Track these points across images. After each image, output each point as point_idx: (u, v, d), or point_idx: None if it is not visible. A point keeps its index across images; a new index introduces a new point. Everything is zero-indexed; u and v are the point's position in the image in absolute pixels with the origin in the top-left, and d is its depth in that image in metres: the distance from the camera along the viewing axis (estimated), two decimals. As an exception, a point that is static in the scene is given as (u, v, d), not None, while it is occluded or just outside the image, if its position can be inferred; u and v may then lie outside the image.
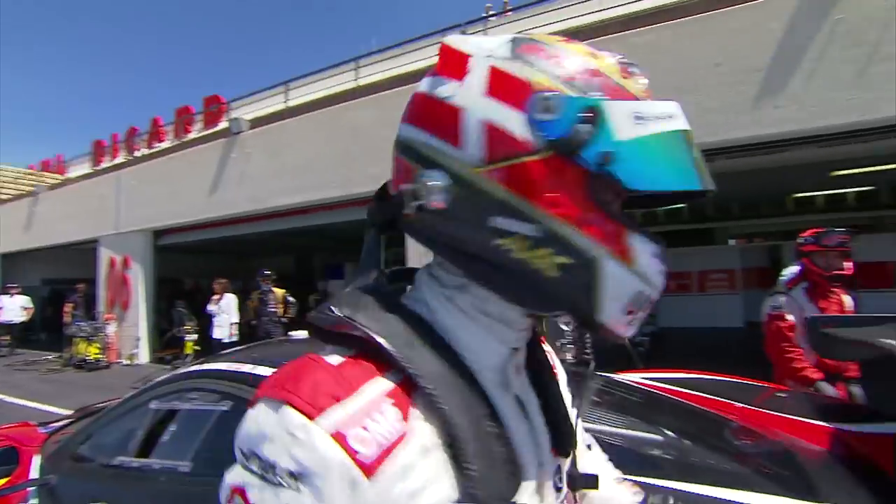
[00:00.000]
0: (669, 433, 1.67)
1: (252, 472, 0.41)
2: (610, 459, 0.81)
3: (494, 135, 0.45)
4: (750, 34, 5.12)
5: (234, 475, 0.43)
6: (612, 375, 2.49)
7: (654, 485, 1.20)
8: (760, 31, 5.07)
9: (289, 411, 0.40)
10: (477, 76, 0.47)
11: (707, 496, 1.18)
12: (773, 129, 4.97)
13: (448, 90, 0.48)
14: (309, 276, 17.56)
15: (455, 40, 0.51)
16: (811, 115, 4.80)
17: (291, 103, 9.41)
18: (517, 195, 0.45)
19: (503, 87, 0.46)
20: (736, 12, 5.28)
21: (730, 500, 1.15)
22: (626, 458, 1.28)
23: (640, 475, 1.16)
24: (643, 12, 6.14)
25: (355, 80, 8.83)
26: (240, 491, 0.41)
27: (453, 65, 0.49)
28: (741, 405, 1.98)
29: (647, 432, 1.67)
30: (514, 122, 0.45)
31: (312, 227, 9.55)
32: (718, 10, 5.38)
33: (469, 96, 0.47)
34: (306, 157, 8.21)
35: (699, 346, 9.24)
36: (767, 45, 5.04)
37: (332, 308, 0.47)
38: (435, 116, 0.49)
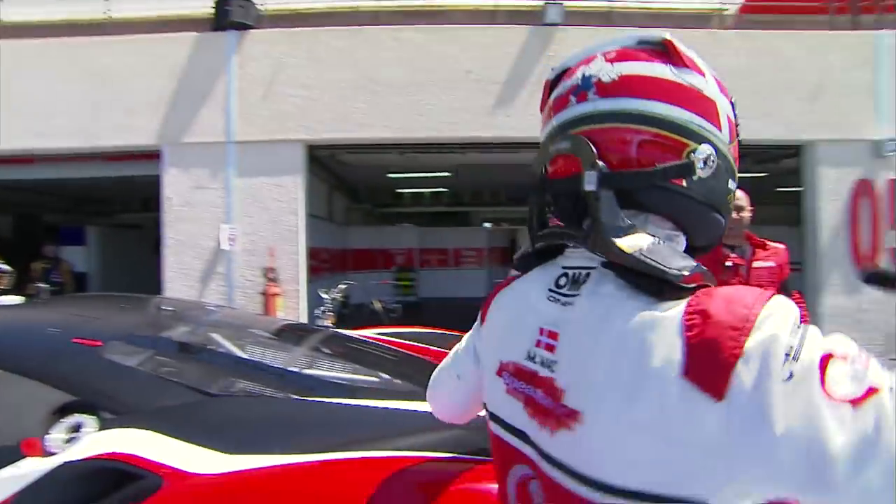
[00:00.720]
0: (382, 373, 2.13)
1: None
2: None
3: (730, 123, 0.64)
4: (494, 51, 6.16)
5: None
6: (348, 332, 2.87)
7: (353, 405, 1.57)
8: (502, 51, 6.16)
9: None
10: (710, 78, 0.64)
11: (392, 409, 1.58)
12: (504, 132, 6.12)
13: (699, 83, 0.62)
14: (34, 240, 13.98)
15: (678, 42, 0.63)
16: (530, 125, 6.07)
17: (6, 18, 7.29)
18: (735, 165, 0.66)
19: (723, 90, 0.65)
20: (487, 30, 6.27)
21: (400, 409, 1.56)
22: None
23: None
24: (418, 8, 6.76)
25: (106, 12, 7.24)
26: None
27: (689, 62, 0.62)
28: (438, 349, 2.49)
29: (365, 374, 2.09)
30: (732, 115, 0.66)
31: (41, 182, 7.78)
32: (476, 24, 6.33)
33: (714, 92, 0.63)
34: (33, 94, 6.55)
35: (448, 312, 10.70)
36: (506, 63, 6.15)
37: (667, 266, 0.54)
38: (699, 103, 0.61)
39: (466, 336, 0.88)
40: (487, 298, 0.81)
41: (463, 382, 0.86)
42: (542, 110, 0.78)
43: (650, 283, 0.54)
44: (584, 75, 0.65)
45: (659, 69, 0.61)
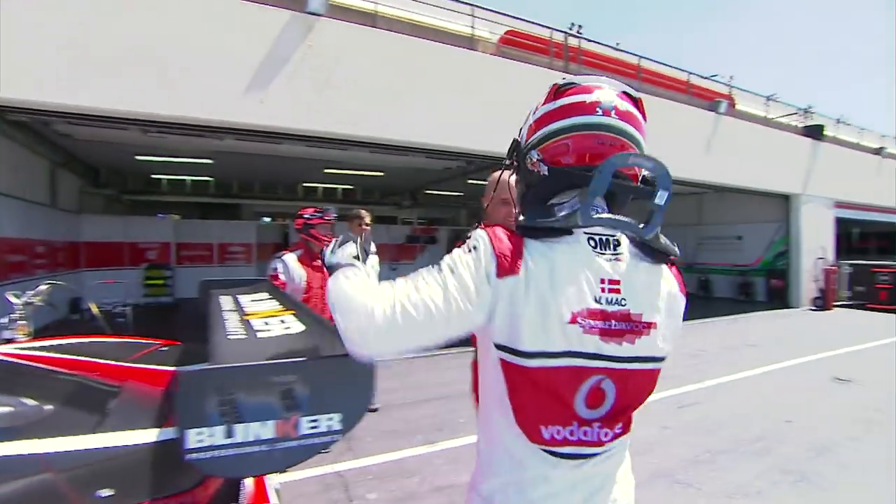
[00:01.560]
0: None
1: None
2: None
3: None
4: (248, 33, 5.72)
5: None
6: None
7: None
8: (260, 31, 5.76)
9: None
10: None
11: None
12: (258, 120, 5.74)
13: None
14: None
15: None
16: (285, 115, 5.83)
17: None
18: None
19: None
20: (247, 6, 5.74)
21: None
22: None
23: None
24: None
25: None
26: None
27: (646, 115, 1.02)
28: (110, 362, 2.07)
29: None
30: None
31: None
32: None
33: None
34: None
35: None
36: (263, 46, 5.77)
37: (672, 248, 1.00)
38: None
39: (460, 288, 0.89)
40: (503, 255, 0.90)
41: (451, 329, 0.90)
42: (545, 104, 1.00)
43: (661, 255, 0.98)
44: (603, 98, 0.96)
45: (641, 118, 0.99)
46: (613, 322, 0.91)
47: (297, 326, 1.26)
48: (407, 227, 16.99)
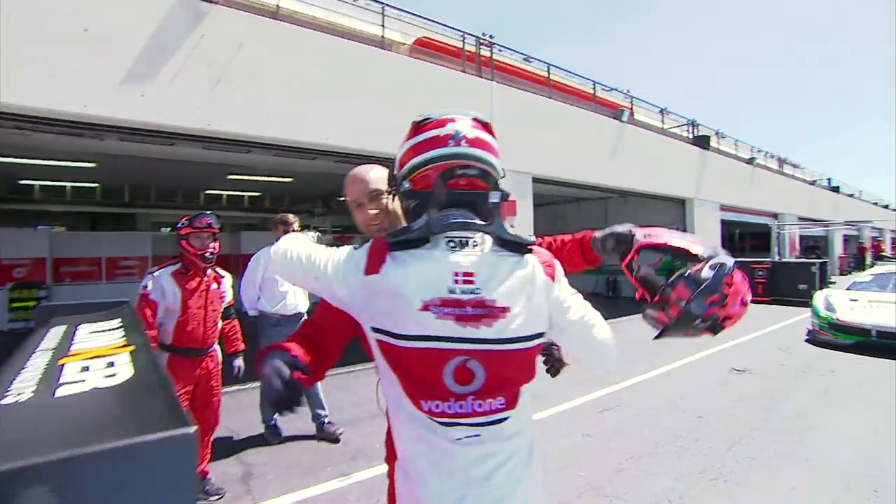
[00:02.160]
0: None
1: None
2: None
3: None
4: (130, 11, 5.00)
5: None
6: None
7: None
8: (140, 13, 5.06)
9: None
10: None
11: None
12: (136, 116, 5.03)
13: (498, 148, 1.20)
14: None
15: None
16: (170, 113, 5.17)
17: None
18: None
19: None
20: None
21: None
22: None
23: None
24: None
25: None
26: None
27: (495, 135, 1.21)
28: None
29: None
30: None
31: None
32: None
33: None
34: None
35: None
36: (145, 30, 5.08)
37: (524, 238, 1.16)
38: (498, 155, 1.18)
39: (336, 265, 1.17)
40: (371, 260, 1.10)
41: (318, 284, 1.20)
42: (408, 140, 1.17)
43: (517, 246, 1.12)
44: (455, 130, 1.12)
45: (490, 138, 1.16)
46: (469, 308, 1.04)
47: (123, 373, 0.90)
48: (321, 235, 16.22)
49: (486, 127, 1.17)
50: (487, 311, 1.05)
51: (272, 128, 5.90)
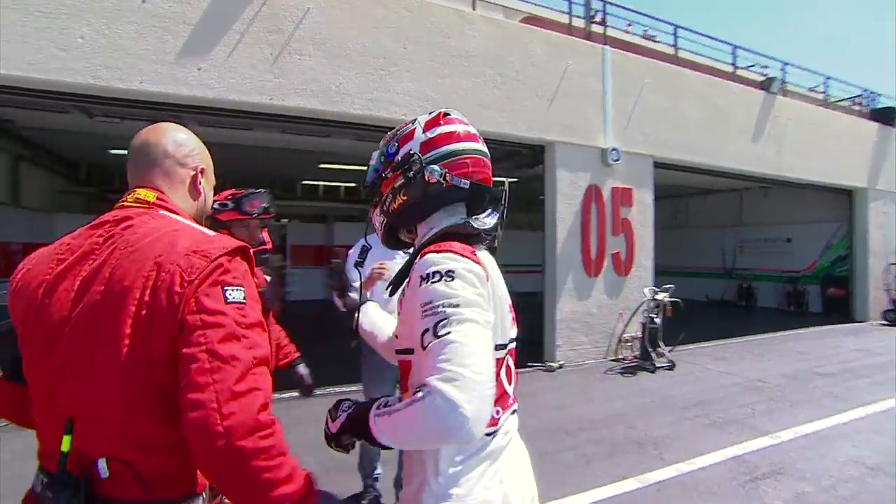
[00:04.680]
0: None
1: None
2: None
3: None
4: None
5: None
6: None
7: None
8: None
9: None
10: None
11: None
12: (193, 91, 4.57)
13: None
14: None
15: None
16: (228, 87, 4.64)
17: None
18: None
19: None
20: None
21: None
22: None
23: None
24: None
25: None
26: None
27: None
28: None
29: None
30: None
31: None
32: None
33: None
34: None
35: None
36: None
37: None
38: None
39: (477, 309, 0.94)
40: (479, 261, 1.02)
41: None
42: (434, 126, 1.16)
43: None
44: (477, 132, 1.21)
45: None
46: (512, 312, 1.15)
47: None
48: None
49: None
50: (515, 315, 1.16)
51: (344, 103, 5.18)
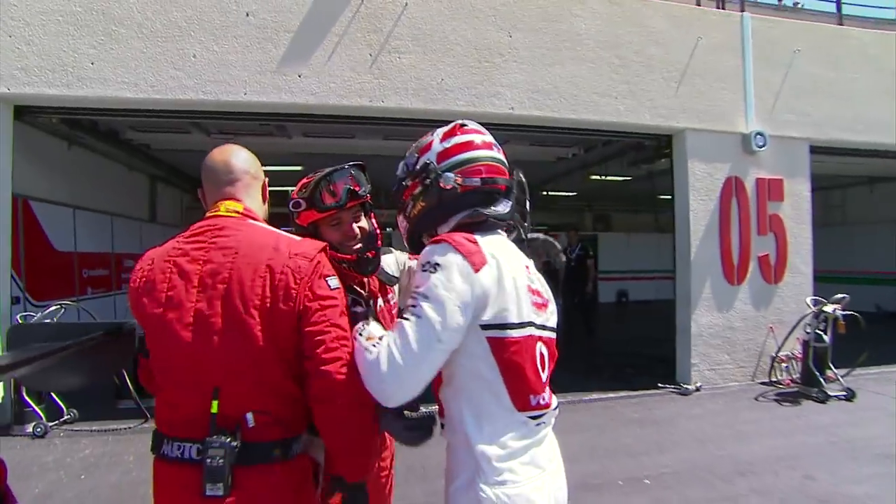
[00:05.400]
0: None
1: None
2: None
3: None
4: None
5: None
6: None
7: None
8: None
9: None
10: None
11: None
12: (295, 98, 4.49)
13: None
14: None
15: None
16: (328, 91, 4.49)
17: None
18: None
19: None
20: None
21: None
22: None
23: None
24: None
25: None
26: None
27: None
28: None
29: None
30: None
31: None
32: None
33: None
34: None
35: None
36: (300, 6, 4.52)
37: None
38: None
39: (443, 311, 1.05)
40: (470, 255, 1.08)
41: (444, 344, 1.06)
42: (453, 135, 1.24)
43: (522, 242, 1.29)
44: (494, 141, 1.29)
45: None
46: (537, 296, 1.19)
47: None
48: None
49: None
50: (542, 301, 1.21)
51: (447, 100, 4.83)
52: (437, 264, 1.06)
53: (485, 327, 1.07)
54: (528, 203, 1.26)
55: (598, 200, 14.88)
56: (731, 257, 5.73)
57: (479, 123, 4.27)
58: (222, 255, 1.14)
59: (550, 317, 1.21)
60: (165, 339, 1.12)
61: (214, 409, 1.08)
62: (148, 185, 9.48)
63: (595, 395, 5.30)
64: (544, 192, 12.92)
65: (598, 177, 9.54)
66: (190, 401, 1.12)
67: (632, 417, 4.73)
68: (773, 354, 5.65)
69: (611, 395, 5.37)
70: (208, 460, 1.05)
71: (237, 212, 1.24)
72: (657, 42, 5.55)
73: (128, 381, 4.18)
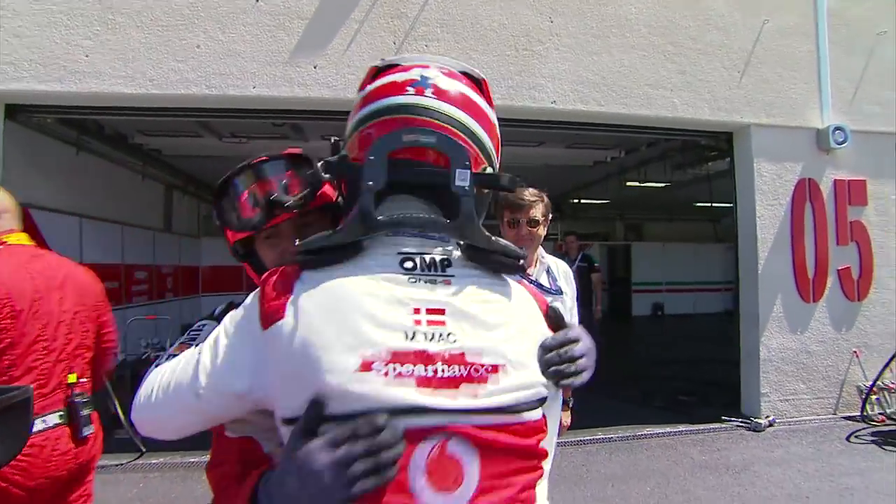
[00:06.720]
0: None
1: None
2: None
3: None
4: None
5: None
6: None
7: None
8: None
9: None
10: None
11: None
12: (309, 93, 3.96)
13: (496, 121, 0.78)
14: None
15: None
16: (346, 83, 3.96)
17: None
18: None
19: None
20: None
21: None
22: None
23: None
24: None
25: None
26: None
27: (492, 103, 0.79)
28: None
29: None
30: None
31: None
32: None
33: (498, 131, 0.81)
34: None
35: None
36: (316, -10, 4.02)
37: (512, 252, 0.74)
38: (494, 135, 0.77)
39: (215, 350, 0.70)
40: (267, 301, 0.67)
41: (204, 402, 0.70)
42: (361, 89, 0.79)
43: (502, 264, 0.71)
44: (421, 75, 0.73)
45: (480, 101, 0.76)
46: (441, 365, 0.63)
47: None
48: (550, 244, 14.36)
49: (479, 86, 0.78)
50: (472, 370, 0.64)
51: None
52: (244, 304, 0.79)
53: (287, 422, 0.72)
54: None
55: (630, 209, 14.08)
56: (806, 271, 4.97)
57: (517, 120, 3.62)
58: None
59: (491, 396, 0.67)
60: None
61: (72, 379, 1.79)
62: (163, 194, 9.14)
63: (650, 430, 4.59)
64: (575, 200, 12.22)
65: (635, 183, 8.84)
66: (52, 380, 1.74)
67: (699, 460, 4.01)
68: (865, 384, 4.85)
69: (668, 428, 4.65)
70: None
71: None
72: (717, 26, 4.89)
73: (119, 410, 3.69)
